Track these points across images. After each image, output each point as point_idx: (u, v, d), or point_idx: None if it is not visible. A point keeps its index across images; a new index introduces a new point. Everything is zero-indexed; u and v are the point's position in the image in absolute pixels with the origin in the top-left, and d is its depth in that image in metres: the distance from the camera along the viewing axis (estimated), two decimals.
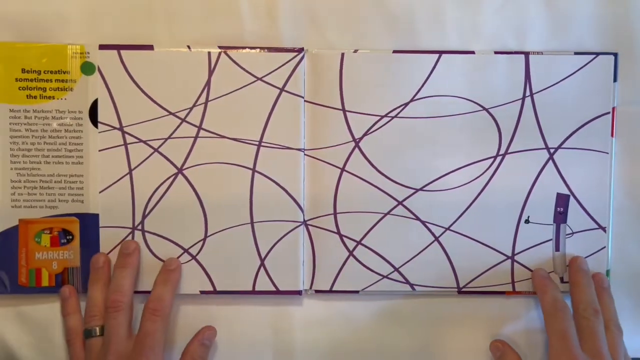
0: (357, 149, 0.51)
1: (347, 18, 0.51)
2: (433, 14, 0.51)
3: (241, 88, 0.50)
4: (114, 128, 0.50)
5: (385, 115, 0.51)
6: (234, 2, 0.51)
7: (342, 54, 0.50)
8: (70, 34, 0.50)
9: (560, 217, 0.51)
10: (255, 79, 0.50)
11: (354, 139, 0.51)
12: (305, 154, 0.51)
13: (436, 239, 0.51)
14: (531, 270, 0.51)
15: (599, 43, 0.51)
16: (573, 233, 0.51)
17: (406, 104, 0.51)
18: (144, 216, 0.50)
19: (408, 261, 0.51)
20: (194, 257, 0.51)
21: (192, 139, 0.50)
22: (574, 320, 0.47)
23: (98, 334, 0.48)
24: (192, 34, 0.51)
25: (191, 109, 0.50)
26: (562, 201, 0.51)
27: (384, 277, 0.51)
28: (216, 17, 0.51)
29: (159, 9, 0.51)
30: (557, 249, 0.51)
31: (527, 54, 0.51)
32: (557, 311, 0.47)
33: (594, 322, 0.47)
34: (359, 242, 0.51)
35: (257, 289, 0.51)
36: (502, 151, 0.51)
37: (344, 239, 0.51)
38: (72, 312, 0.50)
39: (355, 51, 0.50)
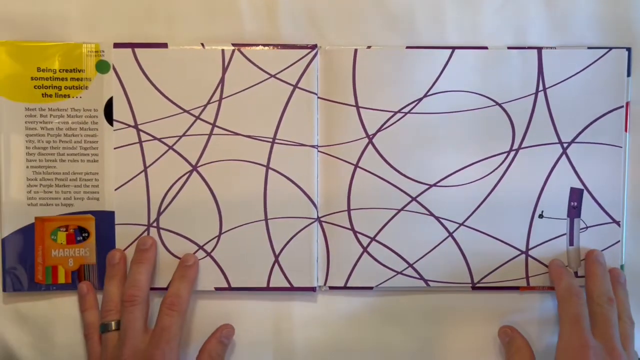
0: (370, 145, 0.51)
1: (346, 18, 0.51)
2: (433, 13, 0.51)
3: (255, 85, 0.50)
4: (129, 126, 0.50)
5: (399, 111, 0.51)
6: (234, 2, 0.51)
7: (355, 51, 0.50)
8: (71, 34, 0.51)
9: (574, 211, 0.51)
10: (269, 76, 0.50)
11: (367, 135, 0.51)
12: (318, 151, 0.51)
13: (450, 234, 0.51)
14: (546, 265, 0.51)
15: (600, 42, 0.51)
16: (587, 227, 0.51)
17: (419, 100, 0.51)
18: (159, 213, 0.51)
19: (422, 257, 0.51)
20: (208, 254, 0.51)
21: (207, 136, 0.50)
22: (588, 308, 0.47)
23: (114, 328, 0.48)
24: (192, 33, 0.51)
25: (205, 106, 0.50)
26: (576, 195, 0.51)
27: (398, 273, 0.51)
28: (216, 17, 0.51)
29: (158, 10, 0.51)
30: (571, 243, 0.51)
31: (539, 49, 0.51)
32: (572, 295, 0.47)
33: (608, 310, 0.47)
34: (372, 239, 0.51)
35: (271, 285, 0.51)
36: (515, 146, 0.51)
37: (358, 235, 0.51)
38: (90, 307, 0.50)
39: (369, 47, 0.50)
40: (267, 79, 0.50)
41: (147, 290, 0.49)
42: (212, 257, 0.51)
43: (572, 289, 0.48)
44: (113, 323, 0.48)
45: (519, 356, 0.49)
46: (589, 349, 0.44)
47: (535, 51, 0.51)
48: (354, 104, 0.51)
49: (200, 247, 0.51)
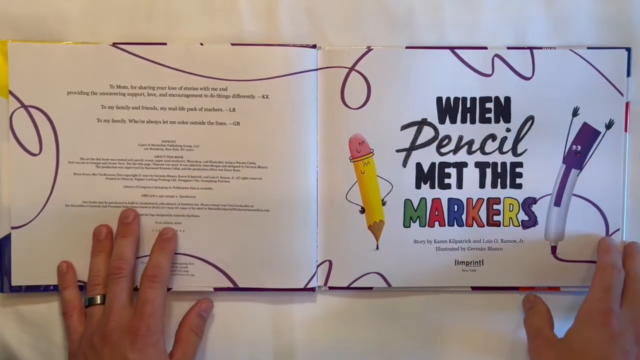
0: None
1: (346, 18, 0.51)
2: (433, 13, 0.51)
3: None
4: None
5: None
6: (234, 2, 0.51)
7: (356, 51, 0.50)
8: (71, 34, 0.51)
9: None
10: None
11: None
12: (318, 151, 0.51)
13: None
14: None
15: (600, 42, 0.51)
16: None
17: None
18: None
19: None
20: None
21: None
22: (624, 283, 0.48)
23: (99, 302, 0.48)
24: (192, 33, 0.51)
25: None
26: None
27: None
28: (216, 17, 0.51)
29: (158, 10, 0.51)
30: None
31: (539, 49, 0.51)
32: (612, 268, 0.47)
33: None
34: None
35: (271, 285, 0.51)
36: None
37: None
38: (70, 285, 0.50)
39: (369, 47, 0.50)
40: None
41: (133, 263, 0.49)
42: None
43: (615, 264, 0.48)
44: (99, 297, 0.48)
45: (535, 312, 0.50)
46: (613, 313, 0.45)
47: (535, 51, 0.51)
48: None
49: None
